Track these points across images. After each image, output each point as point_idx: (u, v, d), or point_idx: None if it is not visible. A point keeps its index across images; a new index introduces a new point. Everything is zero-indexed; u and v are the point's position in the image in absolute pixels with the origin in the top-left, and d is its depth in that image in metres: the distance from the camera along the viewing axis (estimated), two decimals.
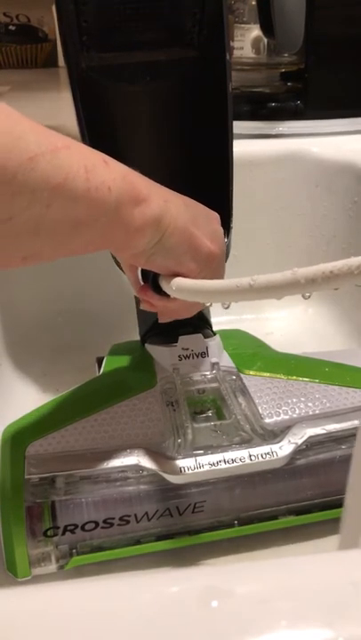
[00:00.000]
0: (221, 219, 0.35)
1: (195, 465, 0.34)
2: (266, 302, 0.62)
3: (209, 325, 0.43)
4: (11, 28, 1.08)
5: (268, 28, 0.51)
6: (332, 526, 0.36)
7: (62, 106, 0.76)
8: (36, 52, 1.10)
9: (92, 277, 0.59)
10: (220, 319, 0.41)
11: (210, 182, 0.38)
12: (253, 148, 0.59)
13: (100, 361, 0.47)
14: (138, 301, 0.38)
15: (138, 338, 0.45)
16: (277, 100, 0.62)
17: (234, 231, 0.39)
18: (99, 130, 0.35)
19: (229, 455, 0.34)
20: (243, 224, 0.47)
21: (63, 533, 0.33)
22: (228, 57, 0.38)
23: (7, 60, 1.10)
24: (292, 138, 0.59)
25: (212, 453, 0.34)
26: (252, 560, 0.35)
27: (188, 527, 0.35)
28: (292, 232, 0.61)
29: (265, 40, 0.65)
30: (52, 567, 0.33)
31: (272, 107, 0.61)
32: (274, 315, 0.62)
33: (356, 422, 0.36)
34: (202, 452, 0.34)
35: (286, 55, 0.60)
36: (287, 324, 0.61)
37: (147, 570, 0.35)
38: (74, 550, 0.34)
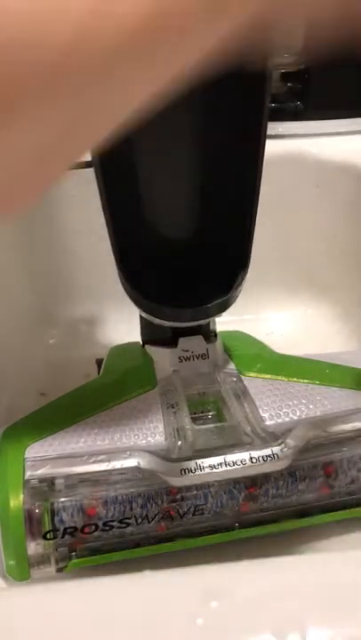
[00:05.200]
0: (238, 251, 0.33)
1: (195, 467, 0.33)
2: (266, 302, 0.62)
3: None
4: None
5: None
6: (333, 528, 0.36)
7: None
8: None
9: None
10: (220, 319, 0.40)
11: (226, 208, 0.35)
12: None
13: (99, 362, 0.47)
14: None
15: (138, 339, 0.45)
16: (277, 101, 0.62)
17: None
18: None
19: (230, 457, 0.34)
20: None
21: (62, 536, 0.33)
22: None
23: None
24: (293, 138, 0.59)
25: (212, 456, 0.34)
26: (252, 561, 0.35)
27: (188, 530, 0.35)
28: (292, 232, 0.61)
29: None
30: (51, 570, 0.33)
31: (272, 107, 0.61)
32: (274, 315, 0.62)
33: (357, 424, 0.36)
34: (202, 454, 0.34)
35: (286, 56, 0.60)
36: (287, 325, 0.61)
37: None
38: (73, 553, 0.34)
